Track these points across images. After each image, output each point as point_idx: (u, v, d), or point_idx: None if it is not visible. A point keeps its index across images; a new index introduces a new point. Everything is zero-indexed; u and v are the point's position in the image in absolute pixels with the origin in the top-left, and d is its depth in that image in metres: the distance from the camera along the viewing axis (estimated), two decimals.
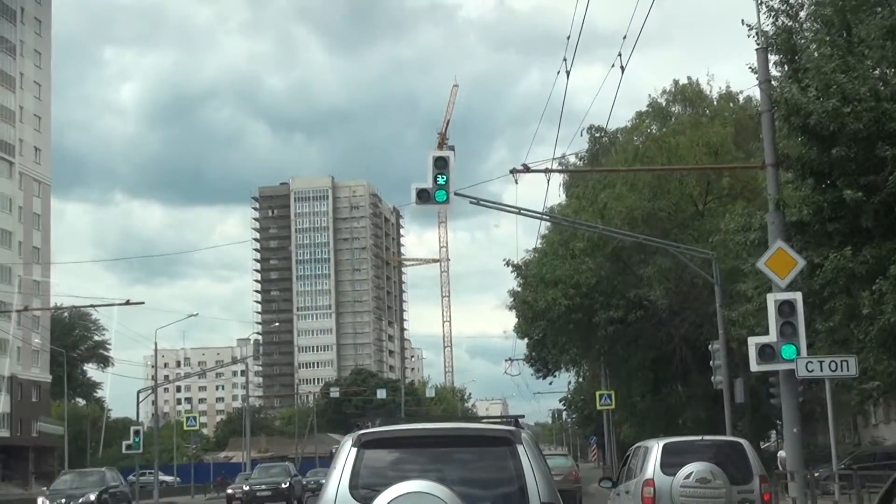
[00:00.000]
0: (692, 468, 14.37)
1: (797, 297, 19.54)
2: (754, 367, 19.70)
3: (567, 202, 47.12)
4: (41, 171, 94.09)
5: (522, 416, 9.29)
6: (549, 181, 30.62)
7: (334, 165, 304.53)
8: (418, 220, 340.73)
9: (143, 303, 44.45)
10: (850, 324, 21.37)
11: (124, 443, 56.70)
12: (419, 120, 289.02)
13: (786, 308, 19.43)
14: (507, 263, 45.31)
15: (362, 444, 7.98)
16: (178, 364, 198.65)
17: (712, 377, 29.61)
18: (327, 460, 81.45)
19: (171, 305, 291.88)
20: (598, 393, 51.56)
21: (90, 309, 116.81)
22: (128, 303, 45.66)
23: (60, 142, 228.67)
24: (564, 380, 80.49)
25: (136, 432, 55.92)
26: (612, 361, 49.23)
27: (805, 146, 21.15)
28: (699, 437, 17.02)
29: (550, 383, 62.39)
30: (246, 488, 44.54)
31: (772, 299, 19.66)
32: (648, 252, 41.29)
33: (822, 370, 19.26)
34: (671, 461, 14.86)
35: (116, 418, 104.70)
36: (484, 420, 10.53)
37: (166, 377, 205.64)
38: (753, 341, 19.79)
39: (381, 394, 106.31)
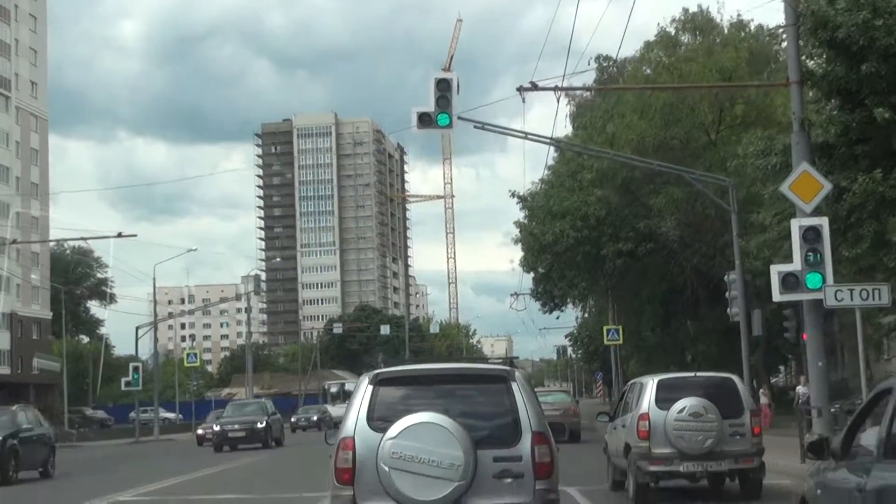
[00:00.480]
0: (685, 403, 14.89)
1: (823, 222, 18.34)
2: (777, 296, 18.52)
3: (574, 133, 45.69)
4: (38, 106, 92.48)
5: (517, 358, 11.90)
6: (557, 107, 29.30)
7: (338, 104, 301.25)
8: (422, 158, 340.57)
9: (135, 235, 43.33)
10: (877, 251, 20.10)
11: (123, 380, 56.05)
12: (423, 59, 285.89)
13: (811, 234, 18.22)
14: (513, 195, 44.17)
15: (377, 382, 9.12)
16: (182, 301, 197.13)
17: (728, 309, 28.39)
18: (314, 398, 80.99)
19: (175, 243, 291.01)
20: (605, 328, 50.58)
21: (91, 246, 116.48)
22: (119, 235, 44.65)
23: (61, 79, 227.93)
24: (571, 315, 79.67)
25: (136, 369, 55.22)
26: (621, 296, 48.27)
27: (832, 62, 19.77)
28: (692, 374, 17.64)
29: (557, 318, 61.54)
30: (216, 428, 39.16)
31: (796, 225, 18.44)
32: (659, 182, 40.09)
33: (852, 299, 17.97)
34: (665, 396, 15.31)
35: (119, 356, 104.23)
36: (482, 362, 11.82)
37: (170, 314, 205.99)
38: (776, 269, 18.59)
39: (385, 330, 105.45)
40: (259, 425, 38.33)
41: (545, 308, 54.14)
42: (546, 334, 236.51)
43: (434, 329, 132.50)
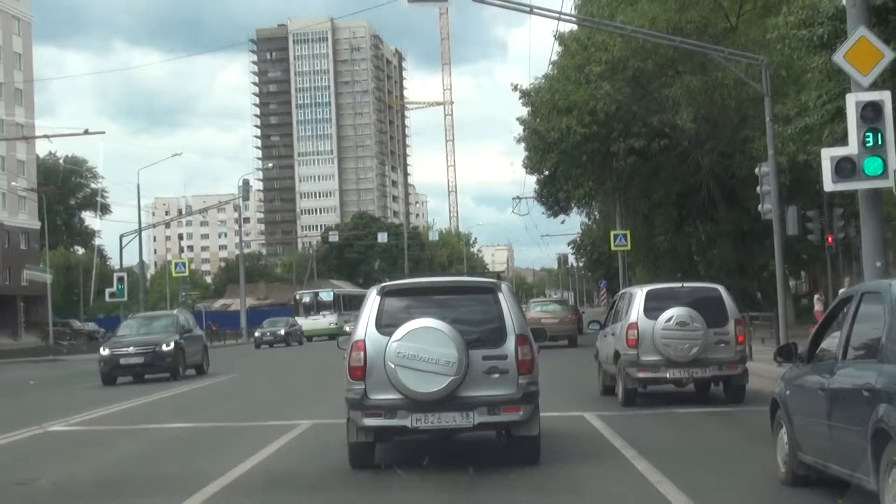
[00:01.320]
0: (672, 312, 15.57)
1: (885, 97, 15.41)
2: (829, 186, 15.66)
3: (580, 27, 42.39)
4: (20, 8, 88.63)
5: (503, 272, 12.78)
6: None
7: (335, 11, 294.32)
8: (421, 66, 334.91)
9: (103, 132, 40.14)
10: None
11: (108, 290, 53.46)
12: None
13: (869, 112, 15.28)
14: (515, 88, 41.02)
15: (384, 294, 10.56)
16: (180, 212, 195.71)
17: (760, 206, 25.39)
18: (284, 310, 77.52)
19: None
20: (612, 233, 47.74)
21: (84, 156, 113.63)
22: (86, 132, 41.53)
23: None
24: (575, 221, 77.05)
25: (120, 279, 52.69)
26: (630, 198, 45.30)
27: None
28: (679, 284, 17.96)
29: (563, 222, 58.57)
30: (105, 353, 28.50)
31: (852, 101, 15.48)
32: (671, 75, 37.13)
33: None
34: (654, 306, 15.98)
35: (116, 267, 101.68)
36: (474, 275, 13.42)
37: (154, 225, 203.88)
38: (828, 154, 15.70)
39: (383, 238, 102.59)
40: (165, 347, 28.04)
41: (549, 212, 51.38)
42: (548, 241, 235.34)
43: (433, 237, 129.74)
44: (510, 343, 10.26)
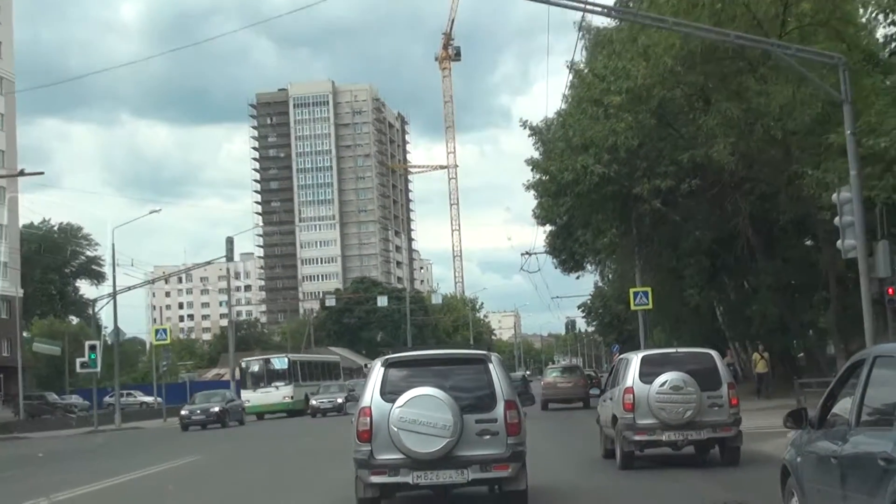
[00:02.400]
0: (666, 377, 16.09)
1: None
2: None
3: (599, 52, 37.75)
4: (3, 67, 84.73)
5: (491, 351, 12.97)
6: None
7: (337, 76, 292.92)
8: (425, 136, 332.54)
9: (42, 173, 35.57)
10: None
11: (79, 360, 48.57)
12: (424, 35, 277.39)
13: None
14: (524, 125, 36.42)
15: (388, 365, 12.06)
16: (180, 280, 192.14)
17: (839, 242, 20.21)
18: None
19: (180, 225, 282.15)
20: (632, 290, 42.87)
21: (81, 223, 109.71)
22: (22, 173, 36.86)
23: (64, 64, 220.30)
24: (589, 281, 72.16)
25: (92, 348, 47.74)
26: (652, 252, 40.41)
27: None
28: (674, 350, 18.65)
29: (578, 277, 53.32)
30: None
31: None
32: (701, 108, 32.51)
33: None
34: (649, 371, 16.45)
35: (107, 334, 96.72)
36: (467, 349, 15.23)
37: (166, 294, 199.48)
38: None
39: (383, 301, 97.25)
40: None
41: (562, 266, 46.42)
42: (559, 304, 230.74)
43: (437, 300, 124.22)
44: (500, 408, 11.56)
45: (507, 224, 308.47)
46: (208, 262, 48.39)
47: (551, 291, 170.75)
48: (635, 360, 16.92)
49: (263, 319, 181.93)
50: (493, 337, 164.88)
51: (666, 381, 15.91)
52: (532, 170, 36.54)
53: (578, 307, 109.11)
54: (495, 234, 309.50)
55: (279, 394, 53.38)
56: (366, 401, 11.60)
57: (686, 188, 32.48)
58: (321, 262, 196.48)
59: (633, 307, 43.23)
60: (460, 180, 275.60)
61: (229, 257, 47.86)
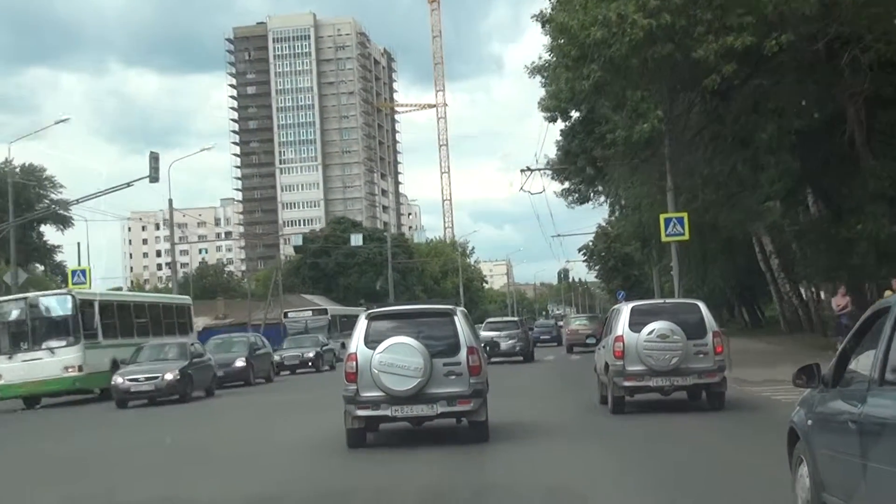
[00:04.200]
0: (654, 326, 16.90)
1: None
2: None
3: None
4: None
5: (458, 304, 16.15)
6: None
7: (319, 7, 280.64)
8: (415, 83, 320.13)
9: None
10: None
11: None
12: None
13: None
14: (531, 72, 26.13)
15: (370, 318, 14.21)
16: (157, 227, 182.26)
17: None
18: (275, 328, 61.27)
19: (167, 174, 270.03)
20: (663, 216, 32.61)
21: (43, 164, 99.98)
22: None
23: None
24: (593, 220, 61.96)
25: None
26: (698, 159, 29.82)
27: None
28: (662, 300, 21.24)
29: (593, 207, 43.68)
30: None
31: None
32: None
33: None
34: (638, 320, 17.22)
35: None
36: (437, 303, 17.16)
37: (143, 241, 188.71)
38: None
39: (357, 240, 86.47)
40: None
41: (571, 185, 35.77)
42: (561, 243, 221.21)
43: (419, 239, 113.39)
44: (463, 353, 13.86)
45: (501, 173, 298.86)
46: (127, 184, 37.95)
47: (553, 229, 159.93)
48: (625, 310, 17.82)
49: (243, 267, 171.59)
50: (484, 284, 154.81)
51: (653, 330, 16.73)
52: (544, 28, 25.45)
53: (579, 250, 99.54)
54: (488, 183, 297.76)
55: (56, 362, 30.09)
56: (352, 348, 13.93)
57: (772, 48, 21.75)
58: (303, 206, 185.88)
59: (664, 238, 33.10)
60: (451, 128, 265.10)
61: (153, 177, 37.75)
